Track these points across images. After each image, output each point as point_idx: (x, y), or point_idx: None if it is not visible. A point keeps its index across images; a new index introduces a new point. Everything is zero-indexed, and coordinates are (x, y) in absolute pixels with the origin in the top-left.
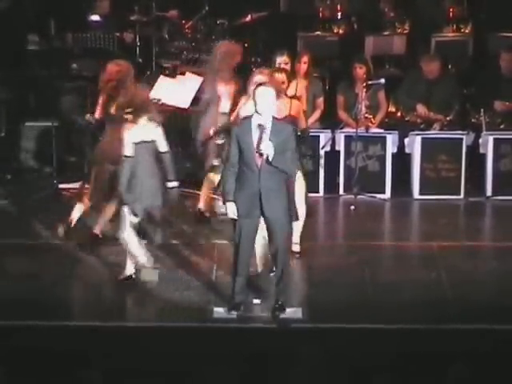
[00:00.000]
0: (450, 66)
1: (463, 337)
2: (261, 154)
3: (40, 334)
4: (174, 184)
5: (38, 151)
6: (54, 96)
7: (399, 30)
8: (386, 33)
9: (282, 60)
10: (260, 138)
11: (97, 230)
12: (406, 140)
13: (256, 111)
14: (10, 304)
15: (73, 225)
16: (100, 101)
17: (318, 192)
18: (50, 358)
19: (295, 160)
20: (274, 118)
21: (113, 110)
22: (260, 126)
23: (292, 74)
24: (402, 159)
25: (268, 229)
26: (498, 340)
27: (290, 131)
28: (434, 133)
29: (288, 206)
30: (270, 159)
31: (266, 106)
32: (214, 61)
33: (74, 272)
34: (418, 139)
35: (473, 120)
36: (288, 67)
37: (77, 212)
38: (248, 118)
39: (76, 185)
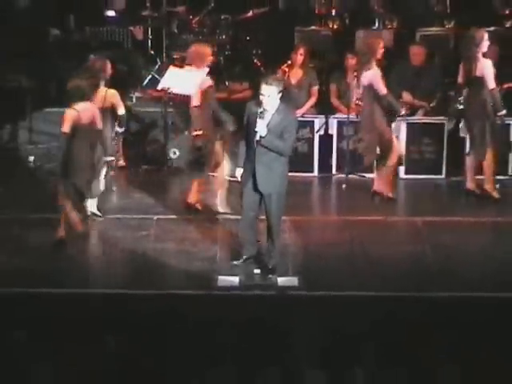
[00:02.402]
0: (435, 58)
1: (446, 304)
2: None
3: (60, 301)
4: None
5: (57, 134)
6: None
7: (387, 26)
8: (375, 27)
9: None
10: (256, 118)
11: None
12: (393, 125)
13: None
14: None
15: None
16: None
17: (312, 172)
18: (67, 324)
19: (289, 145)
20: (282, 103)
21: None
22: (260, 107)
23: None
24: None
25: (263, 202)
26: (479, 306)
27: (291, 121)
28: (418, 118)
29: (281, 183)
30: (261, 138)
31: (270, 92)
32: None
33: (92, 243)
34: (404, 124)
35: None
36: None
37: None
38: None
39: None
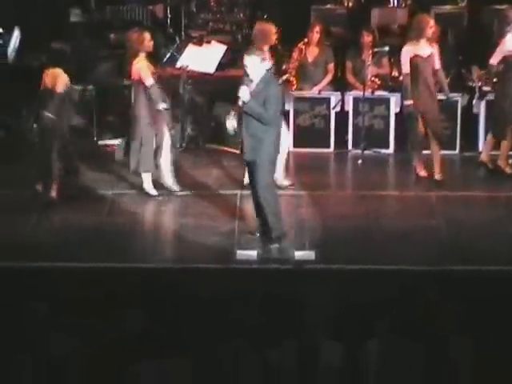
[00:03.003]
0: (449, 36)
1: (460, 277)
2: None
3: (83, 274)
4: None
5: (79, 112)
6: (93, 63)
7: (402, 3)
8: (390, 5)
9: None
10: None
11: None
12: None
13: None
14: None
15: None
16: None
17: (329, 148)
18: (88, 298)
19: (271, 114)
20: (269, 74)
21: None
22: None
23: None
24: (403, 118)
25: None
26: (493, 279)
27: (274, 91)
28: None
29: (266, 152)
30: (244, 104)
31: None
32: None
33: (116, 220)
34: None
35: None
36: None
37: None
38: None
39: (114, 141)
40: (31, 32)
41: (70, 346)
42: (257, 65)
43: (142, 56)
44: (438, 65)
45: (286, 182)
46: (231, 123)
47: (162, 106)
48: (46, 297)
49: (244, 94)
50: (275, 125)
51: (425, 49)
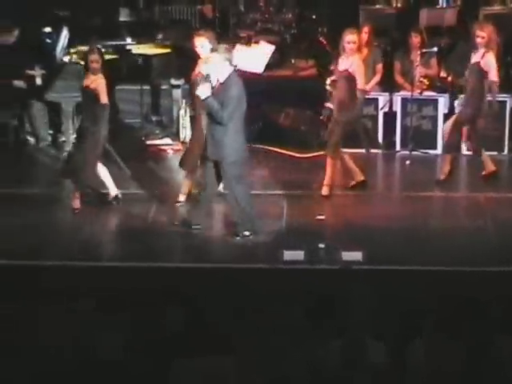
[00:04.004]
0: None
1: (507, 278)
2: None
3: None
4: None
5: (127, 111)
6: (141, 62)
7: (451, 4)
8: (438, 6)
9: (350, 39)
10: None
11: None
12: (456, 102)
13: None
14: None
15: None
16: None
17: (376, 148)
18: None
19: (226, 114)
20: (234, 75)
21: None
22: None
23: None
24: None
25: None
26: None
27: (235, 91)
28: None
29: (227, 152)
30: (203, 101)
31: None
32: None
33: (161, 219)
34: None
35: None
36: (355, 46)
37: None
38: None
39: (161, 141)
40: (79, 31)
41: (113, 344)
42: (222, 63)
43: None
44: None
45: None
46: (203, 90)
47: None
48: (92, 294)
49: (203, 91)
50: (233, 126)
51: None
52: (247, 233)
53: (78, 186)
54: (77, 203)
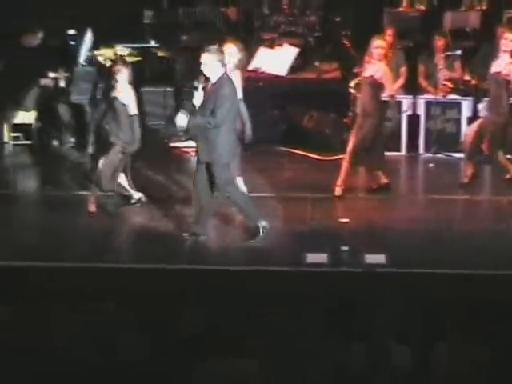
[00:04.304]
0: None
1: None
2: None
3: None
4: None
5: (151, 113)
6: (165, 64)
7: (475, 7)
8: (462, 9)
9: (378, 44)
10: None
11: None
12: (480, 105)
13: None
14: None
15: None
16: None
17: (400, 151)
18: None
19: (219, 116)
20: (226, 74)
21: None
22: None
23: None
24: None
25: None
26: None
27: (227, 91)
28: None
29: (220, 152)
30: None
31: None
32: None
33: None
34: None
35: None
36: (383, 51)
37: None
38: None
39: (185, 143)
40: (103, 33)
41: (136, 346)
42: (214, 64)
43: None
44: None
45: None
46: (181, 119)
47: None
48: (113, 296)
49: (180, 120)
50: (226, 127)
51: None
52: (263, 223)
53: (99, 189)
54: (92, 207)
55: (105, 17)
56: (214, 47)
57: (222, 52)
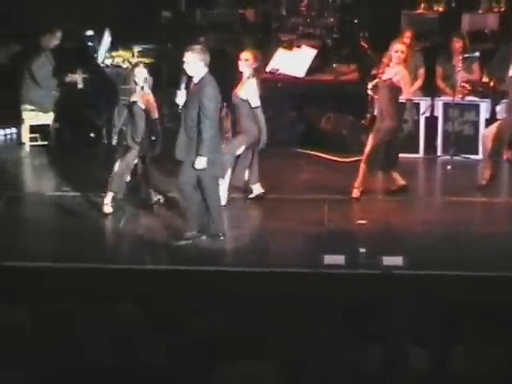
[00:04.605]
0: None
1: None
2: None
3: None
4: None
5: (169, 114)
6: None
7: (494, 8)
8: (481, 11)
9: (398, 47)
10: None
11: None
12: (498, 107)
13: None
14: None
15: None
16: None
17: (417, 153)
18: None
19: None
20: (206, 76)
21: None
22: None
23: None
24: None
25: None
26: None
27: (206, 92)
28: None
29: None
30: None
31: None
32: None
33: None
34: None
35: None
36: (402, 55)
37: None
38: None
39: None
40: (121, 34)
41: (155, 347)
42: (198, 64)
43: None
44: None
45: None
46: (180, 98)
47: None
48: (134, 297)
49: (179, 98)
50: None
51: None
52: (221, 234)
53: (109, 189)
54: (108, 208)
55: (123, 18)
56: (198, 46)
57: (204, 51)
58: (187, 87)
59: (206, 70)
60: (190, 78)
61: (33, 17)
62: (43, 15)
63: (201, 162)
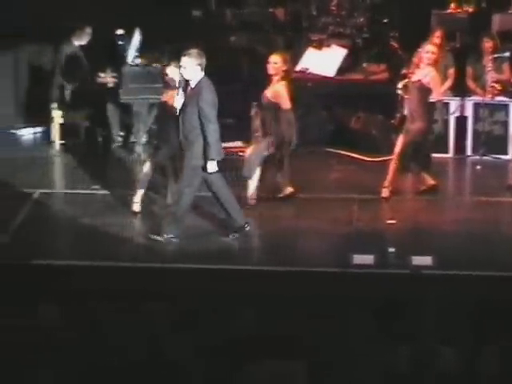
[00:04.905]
0: None
1: None
2: None
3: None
4: None
5: None
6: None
7: None
8: (511, 11)
9: (429, 48)
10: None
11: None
12: None
13: None
14: None
15: None
16: None
17: (447, 153)
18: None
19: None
20: (203, 80)
21: None
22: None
23: None
24: None
25: None
26: None
27: (204, 96)
28: None
29: (193, 154)
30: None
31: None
32: None
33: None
34: None
35: None
36: (433, 56)
37: None
38: None
39: (232, 144)
40: (150, 33)
41: (182, 347)
42: (194, 68)
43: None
44: None
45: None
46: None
47: None
48: (163, 296)
49: (177, 101)
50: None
51: None
52: (246, 225)
53: (141, 188)
54: (137, 207)
55: (151, 16)
56: (194, 51)
57: (201, 55)
58: (185, 90)
59: (202, 74)
60: (187, 82)
61: (63, 15)
62: (73, 14)
63: (212, 166)
